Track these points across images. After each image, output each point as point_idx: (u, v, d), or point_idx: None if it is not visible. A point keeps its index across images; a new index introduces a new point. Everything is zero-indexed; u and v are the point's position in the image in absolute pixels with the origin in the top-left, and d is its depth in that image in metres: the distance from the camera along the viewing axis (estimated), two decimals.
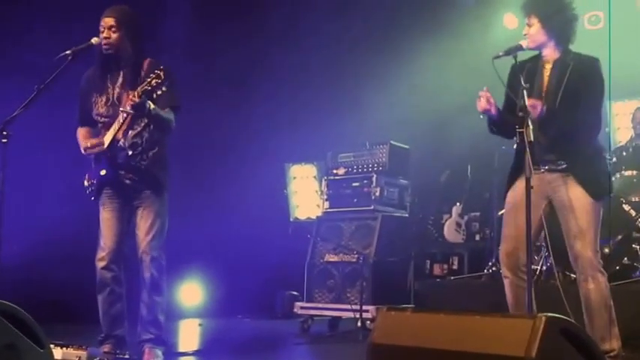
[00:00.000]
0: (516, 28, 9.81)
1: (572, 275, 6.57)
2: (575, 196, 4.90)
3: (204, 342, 7.92)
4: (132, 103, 5.17)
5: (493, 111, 5.02)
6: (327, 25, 10.25)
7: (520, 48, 4.96)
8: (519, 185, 4.99)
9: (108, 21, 5.46)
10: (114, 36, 5.45)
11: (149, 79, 5.12)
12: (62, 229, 7.74)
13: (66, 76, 5.24)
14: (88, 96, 5.63)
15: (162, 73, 5.10)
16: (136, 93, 5.17)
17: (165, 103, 5.45)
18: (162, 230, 5.58)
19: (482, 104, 5.02)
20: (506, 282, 5.06)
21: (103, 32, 5.45)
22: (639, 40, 8.77)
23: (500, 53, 4.94)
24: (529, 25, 5.05)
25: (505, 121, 4.97)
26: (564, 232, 4.98)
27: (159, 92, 5.13)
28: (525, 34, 5.08)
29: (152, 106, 5.27)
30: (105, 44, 5.44)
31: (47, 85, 5.09)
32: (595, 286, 4.86)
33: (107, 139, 5.43)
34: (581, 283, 4.94)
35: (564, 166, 4.96)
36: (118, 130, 5.39)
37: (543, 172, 5.01)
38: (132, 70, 5.49)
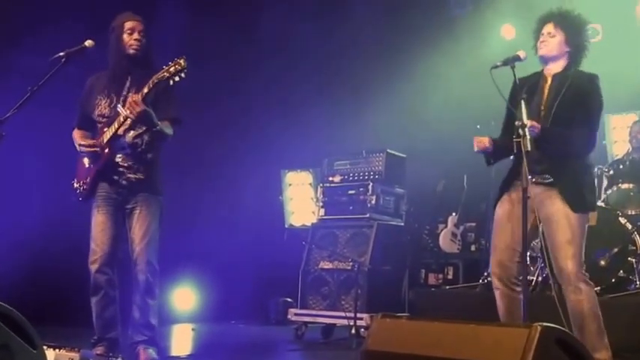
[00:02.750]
0: (514, 39, 9.87)
1: None
2: (559, 210, 4.92)
3: (197, 346, 7.89)
4: (136, 111, 5.19)
5: (490, 148, 5.10)
6: (324, 33, 10.26)
7: (518, 58, 4.97)
8: (506, 198, 5.10)
9: (138, 25, 5.58)
10: (144, 41, 5.57)
11: (167, 67, 5.14)
12: (55, 231, 7.74)
13: (56, 78, 5.23)
14: (90, 98, 5.66)
15: (182, 61, 5.12)
16: (155, 78, 5.19)
17: (167, 115, 5.49)
18: (157, 234, 5.59)
19: (476, 148, 5.13)
20: (497, 293, 5.08)
21: (131, 34, 5.54)
22: (637, 53, 8.78)
23: (498, 63, 4.96)
24: (551, 35, 5.07)
25: (504, 145, 4.97)
26: (549, 246, 4.99)
27: (176, 79, 5.13)
28: (543, 42, 5.10)
29: (158, 123, 5.35)
30: (136, 47, 5.55)
31: (40, 87, 5.08)
32: (580, 297, 4.87)
33: (107, 134, 5.45)
34: (566, 295, 4.95)
35: (550, 180, 4.98)
36: (119, 128, 5.40)
37: (531, 184, 5.02)
38: (142, 76, 5.50)
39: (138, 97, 5.24)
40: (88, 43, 5.36)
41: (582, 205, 4.95)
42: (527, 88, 5.11)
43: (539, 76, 5.20)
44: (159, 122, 5.42)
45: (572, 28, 5.07)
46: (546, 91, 5.11)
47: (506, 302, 5.01)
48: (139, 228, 5.52)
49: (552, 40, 5.08)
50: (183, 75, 5.17)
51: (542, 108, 5.05)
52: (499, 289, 5.04)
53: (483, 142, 5.09)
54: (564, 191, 4.92)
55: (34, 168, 7.83)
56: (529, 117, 4.87)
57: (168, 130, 5.55)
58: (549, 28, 5.10)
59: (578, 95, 4.95)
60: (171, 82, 5.20)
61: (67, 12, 8.07)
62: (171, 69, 5.17)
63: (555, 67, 5.14)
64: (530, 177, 4.99)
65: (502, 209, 5.13)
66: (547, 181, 5.00)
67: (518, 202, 4.90)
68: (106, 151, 5.47)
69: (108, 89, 5.62)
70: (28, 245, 7.75)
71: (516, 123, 4.77)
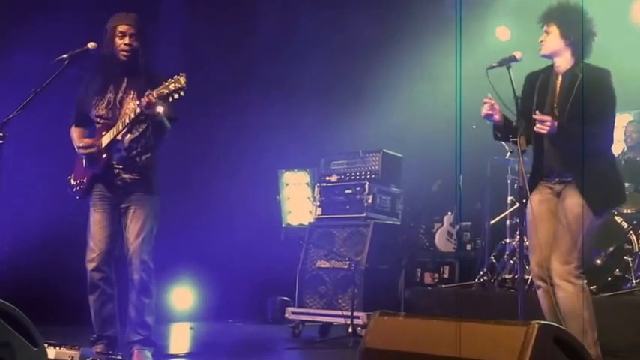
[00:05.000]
0: (508, 40, 9.91)
1: None
2: (572, 206, 4.92)
3: (195, 345, 7.90)
4: (148, 101, 5.20)
5: (496, 117, 5.07)
6: (322, 35, 10.29)
7: (514, 59, 4.98)
8: (534, 198, 5.05)
9: (129, 28, 5.52)
10: (135, 44, 5.52)
11: (167, 83, 5.13)
12: (56, 230, 7.75)
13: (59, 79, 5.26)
14: (87, 97, 5.67)
15: (182, 79, 5.12)
16: (154, 92, 5.19)
17: (165, 114, 5.50)
18: (151, 233, 5.61)
19: (485, 110, 5.06)
20: (539, 291, 5.06)
21: (122, 38, 5.51)
22: (632, 54, 8.82)
23: (494, 64, 4.98)
24: (547, 33, 5.08)
25: (513, 128, 4.99)
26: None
27: (175, 96, 5.13)
28: (541, 42, 5.11)
29: (161, 110, 5.33)
30: (127, 51, 5.51)
31: (44, 88, 5.11)
32: (564, 294, 4.88)
33: (106, 139, 5.47)
34: (553, 290, 4.98)
35: (570, 179, 5.00)
36: (118, 134, 5.43)
37: (554, 184, 5.06)
38: (139, 77, 5.53)
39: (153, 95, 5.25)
40: (91, 45, 5.37)
41: (601, 205, 4.97)
42: (539, 83, 5.14)
43: (549, 72, 5.19)
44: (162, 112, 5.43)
45: (565, 20, 5.04)
46: (557, 89, 5.10)
47: (549, 300, 5.02)
48: (133, 227, 5.55)
49: (548, 38, 5.09)
50: (182, 93, 5.16)
51: (555, 106, 5.04)
52: (541, 287, 5.04)
53: (494, 106, 5.03)
54: (584, 190, 4.90)
55: (34, 168, 7.84)
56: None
57: (169, 126, 5.58)
58: (546, 26, 5.11)
59: (588, 93, 4.89)
60: (170, 99, 5.20)
61: (65, 12, 8.08)
62: (171, 86, 5.14)
63: (563, 63, 5.11)
64: (554, 179, 5.04)
65: (529, 210, 5.14)
66: (567, 180, 5.01)
67: (545, 201, 5.01)
68: (104, 156, 5.51)
69: (103, 90, 5.62)
70: (28, 244, 7.75)
71: (514, 124, 4.81)
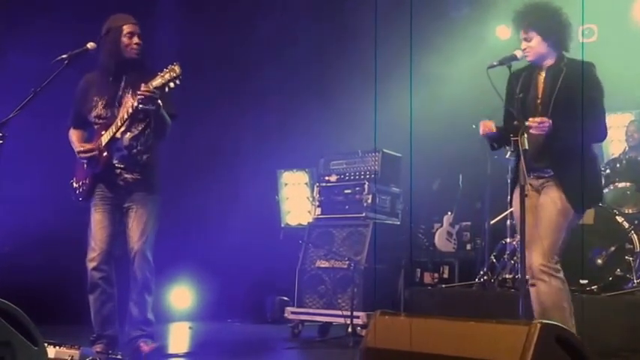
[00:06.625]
0: (509, 39, 9.89)
1: None
2: (550, 201, 4.96)
3: (194, 344, 7.91)
4: (145, 93, 5.21)
5: (495, 133, 5.11)
6: (318, 33, 10.28)
7: (514, 58, 4.99)
8: (515, 195, 5.04)
9: (137, 29, 5.62)
10: (141, 44, 5.59)
11: (162, 73, 5.16)
12: (54, 230, 7.75)
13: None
14: (86, 98, 5.68)
15: (177, 68, 5.16)
16: (150, 84, 5.21)
17: (165, 109, 5.51)
18: (154, 232, 5.65)
19: (482, 131, 5.10)
20: (532, 289, 5.04)
21: (131, 38, 5.58)
22: (633, 53, 8.82)
23: (495, 63, 4.97)
24: (527, 40, 5.06)
25: (505, 134, 4.98)
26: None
27: (172, 85, 5.16)
28: (525, 50, 5.07)
29: (160, 102, 5.34)
30: (137, 51, 5.60)
31: (43, 88, 5.11)
32: (548, 289, 4.88)
33: (105, 137, 5.48)
34: (530, 286, 4.98)
35: (551, 174, 5.00)
36: (117, 131, 5.43)
37: (532, 179, 5.05)
38: (136, 77, 5.54)
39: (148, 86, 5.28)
40: (90, 45, 5.40)
41: (579, 202, 4.96)
42: (522, 81, 5.13)
43: (532, 69, 5.19)
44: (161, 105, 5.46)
45: (542, 24, 5.04)
46: (541, 85, 5.10)
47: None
48: (136, 226, 5.59)
49: (531, 44, 5.06)
50: (177, 82, 5.20)
51: (539, 102, 5.05)
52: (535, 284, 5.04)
53: (489, 126, 5.08)
54: (563, 185, 4.92)
55: (34, 168, 7.83)
56: (526, 112, 4.90)
57: (169, 120, 5.59)
58: (525, 32, 5.08)
59: (574, 86, 4.90)
60: (167, 89, 5.23)
61: (64, 13, 8.08)
62: (166, 76, 5.21)
63: (548, 61, 5.12)
64: (533, 173, 5.03)
65: (516, 207, 5.13)
66: (548, 175, 5.02)
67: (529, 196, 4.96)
68: (105, 154, 5.53)
69: (103, 90, 5.64)
70: (28, 244, 7.76)
71: (515, 123, 4.80)
